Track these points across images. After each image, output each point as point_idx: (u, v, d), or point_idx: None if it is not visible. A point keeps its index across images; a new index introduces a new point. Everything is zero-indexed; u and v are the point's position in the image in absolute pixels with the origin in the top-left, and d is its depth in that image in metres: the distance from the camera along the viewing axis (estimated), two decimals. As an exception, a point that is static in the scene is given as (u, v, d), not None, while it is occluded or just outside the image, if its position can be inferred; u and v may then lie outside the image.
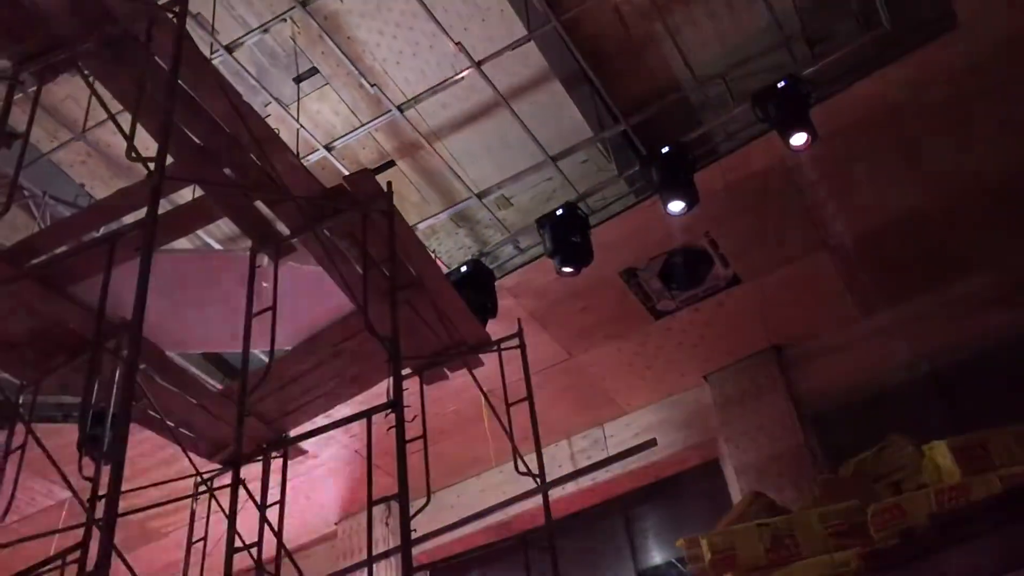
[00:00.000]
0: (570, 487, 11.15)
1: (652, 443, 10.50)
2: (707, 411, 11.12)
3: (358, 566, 8.30)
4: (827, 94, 8.24)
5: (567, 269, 8.47)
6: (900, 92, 8.32)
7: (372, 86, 8.10)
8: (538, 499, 6.95)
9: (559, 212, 8.41)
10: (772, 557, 7.53)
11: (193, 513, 6.97)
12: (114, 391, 6.06)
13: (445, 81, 8.13)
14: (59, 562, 5.16)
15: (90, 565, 4.50)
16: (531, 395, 7.02)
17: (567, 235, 8.42)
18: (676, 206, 8.17)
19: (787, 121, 7.72)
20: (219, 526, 6.98)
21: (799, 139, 7.85)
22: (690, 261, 9.58)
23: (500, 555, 11.83)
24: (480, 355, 7.26)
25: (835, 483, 8.39)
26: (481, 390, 7.27)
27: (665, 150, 8.09)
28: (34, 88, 4.98)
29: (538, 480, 6.57)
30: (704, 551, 7.66)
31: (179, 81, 4.55)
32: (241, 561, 5.56)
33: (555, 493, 7.86)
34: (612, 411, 11.66)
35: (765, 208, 9.26)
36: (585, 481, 11.17)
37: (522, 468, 6.82)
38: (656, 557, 11.57)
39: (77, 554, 4.63)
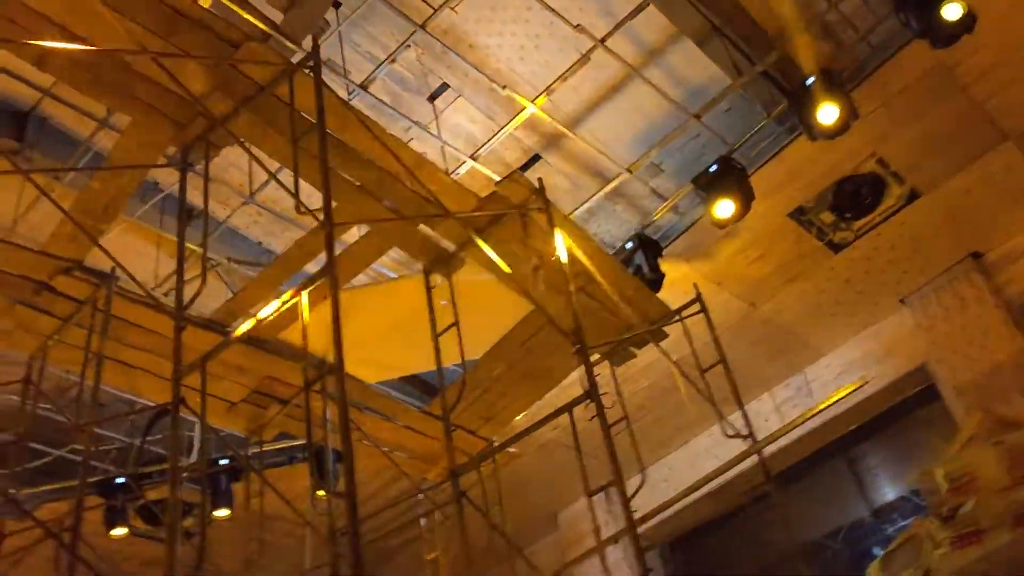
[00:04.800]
0: (783, 440, 10.88)
1: (861, 382, 10.10)
2: (911, 336, 10.60)
3: (588, 554, 8.41)
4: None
5: (730, 209, 8.23)
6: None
7: (502, 88, 8.18)
8: (753, 458, 6.84)
9: (713, 168, 8.23)
10: (1016, 475, 7.11)
11: (423, 530, 7.29)
12: (326, 428, 6.42)
13: (572, 66, 8.10)
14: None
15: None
16: (724, 357, 6.92)
17: (724, 188, 8.23)
18: (832, 120, 7.73)
19: (935, 20, 7.23)
20: (446, 536, 7.29)
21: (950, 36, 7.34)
22: (861, 186, 9.15)
23: (724, 520, 11.74)
24: (663, 327, 7.22)
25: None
26: (672, 361, 7.23)
27: (810, 81, 7.76)
28: (202, 166, 5.35)
29: (748, 441, 6.47)
30: (940, 481, 7.33)
31: (327, 130, 4.76)
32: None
33: (769, 448, 7.69)
34: (810, 355, 11.31)
35: (931, 114, 8.73)
36: (797, 431, 10.87)
37: (729, 431, 6.74)
38: (888, 493, 11.16)
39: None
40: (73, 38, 4.50)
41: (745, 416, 6.77)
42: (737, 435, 6.71)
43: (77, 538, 4.87)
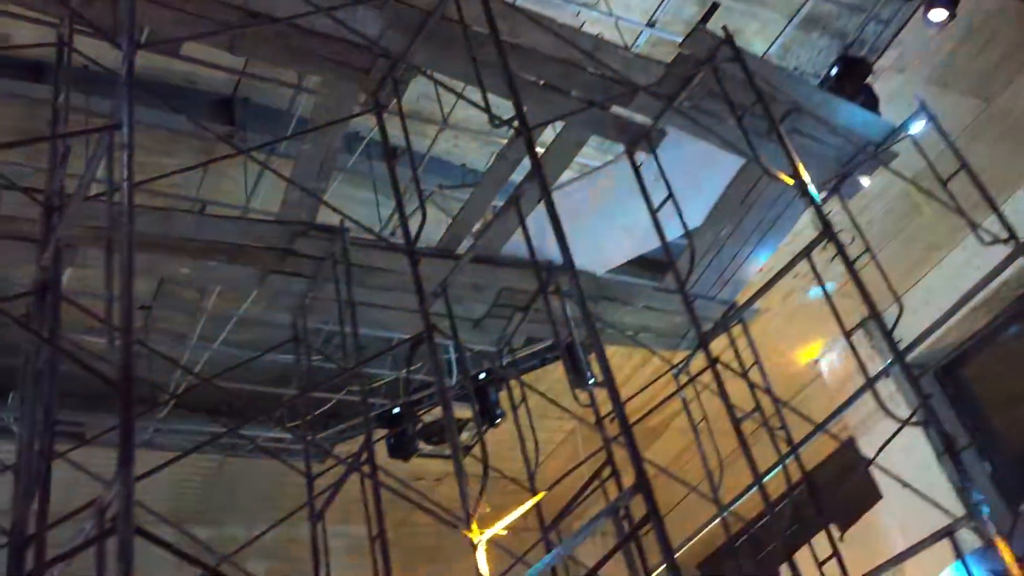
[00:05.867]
0: (1053, 232, 10.01)
1: None
2: None
3: (859, 394, 8.18)
4: None
5: (943, 16, 7.52)
6: None
7: (663, -59, 7.81)
8: (1020, 261, 6.36)
9: (910, -37, 7.50)
10: None
11: (685, 401, 7.38)
12: (571, 325, 6.60)
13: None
14: (596, 483, 5.78)
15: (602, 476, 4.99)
16: (965, 162, 6.41)
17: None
18: None
19: None
20: (708, 404, 7.36)
21: None
22: (1089, -66, 8.04)
23: (999, 332, 11.03)
24: (891, 147, 6.78)
25: None
26: (907, 180, 6.80)
27: None
28: (395, 103, 5.52)
29: (1011, 244, 6.01)
30: None
31: (501, 38, 4.77)
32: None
33: (1036, 246, 7.10)
34: (1064, 136, 10.25)
35: None
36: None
37: (987, 238, 6.29)
38: None
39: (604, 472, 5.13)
40: (252, 15, 4.74)
41: (1002, 218, 6.27)
42: (996, 240, 6.24)
43: (374, 467, 5.33)
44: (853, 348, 5.92)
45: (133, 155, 3.01)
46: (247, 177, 8.19)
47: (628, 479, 5.84)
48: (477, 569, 4.43)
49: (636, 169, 6.19)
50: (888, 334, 4.83)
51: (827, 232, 5.09)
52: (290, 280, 6.22)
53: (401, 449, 8.93)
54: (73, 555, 2.51)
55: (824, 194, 6.56)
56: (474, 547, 4.21)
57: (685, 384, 7.13)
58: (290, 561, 8.25)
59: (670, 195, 5.78)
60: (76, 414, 8.06)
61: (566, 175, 6.88)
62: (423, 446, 9.36)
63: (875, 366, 10.36)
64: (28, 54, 7.04)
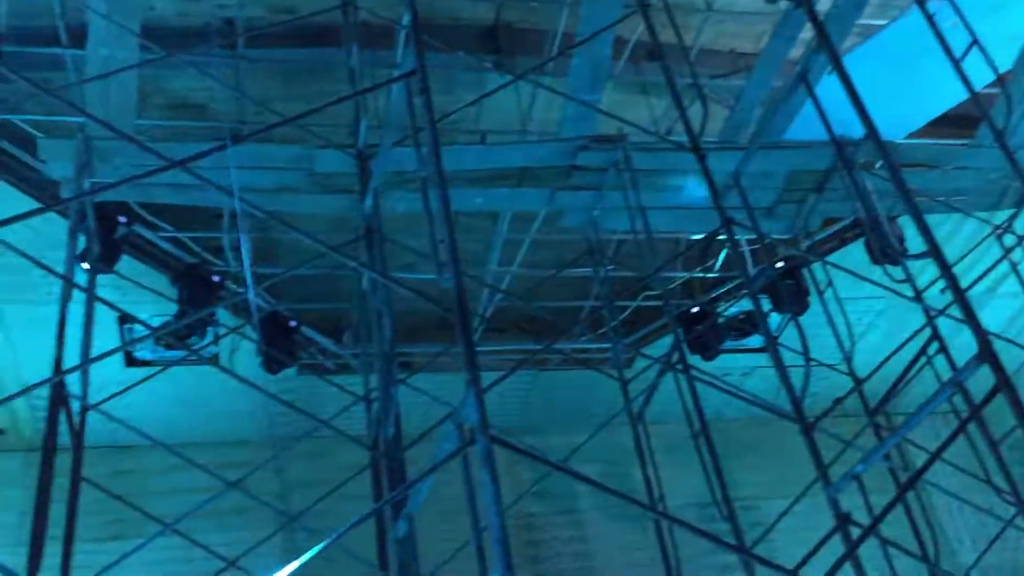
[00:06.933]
0: None
1: None
2: None
3: None
4: None
5: None
6: None
7: None
8: None
9: None
10: None
11: (1013, 264, 6.76)
12: (873, 199, 6.21)
13: None
14: (924, 360, 5.47)
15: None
16: None
17: None
18: None
19: None
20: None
21: None
22: None
23: None
24: None
25: None
26: None
27: None
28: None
29: None
30: None
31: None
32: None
33: None
34: None
35: None
36: None
37: None
38: None
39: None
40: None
41: None
42: None
43: (686, 365, 5.39)
44: None
45: (430, 97, 3.19)
46: (520, 100, 8.37)
47: (955, 353, 5.47)
48: (806, 457, 4.38)
49: (930, 18, 5.63)
50: None
51: None
52: (577, 194, 6.34)
53: (706, 347, 8.91)
54: (439, 467, 2.77)
55: None
56: (805, 435, 4.16)
57: (1015, 246, 6.51)
58: (614, 464, 8.57)
59: (974, 41, 5.23)
60: (401, 345, 8.79)
61: (849, 41, 6.42)
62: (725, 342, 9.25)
63: None
64: (309, 20, 7.60)
